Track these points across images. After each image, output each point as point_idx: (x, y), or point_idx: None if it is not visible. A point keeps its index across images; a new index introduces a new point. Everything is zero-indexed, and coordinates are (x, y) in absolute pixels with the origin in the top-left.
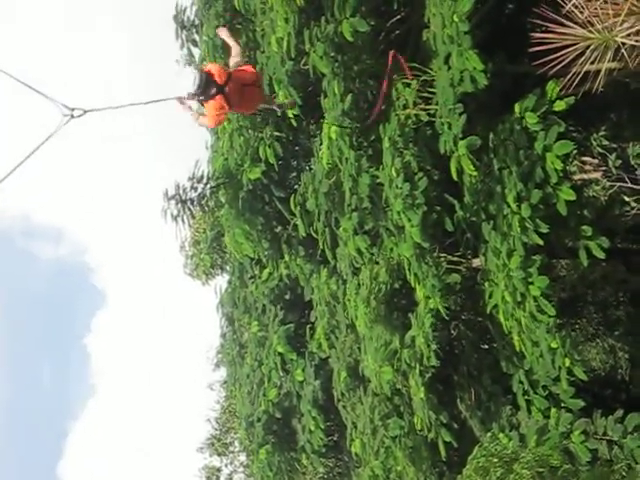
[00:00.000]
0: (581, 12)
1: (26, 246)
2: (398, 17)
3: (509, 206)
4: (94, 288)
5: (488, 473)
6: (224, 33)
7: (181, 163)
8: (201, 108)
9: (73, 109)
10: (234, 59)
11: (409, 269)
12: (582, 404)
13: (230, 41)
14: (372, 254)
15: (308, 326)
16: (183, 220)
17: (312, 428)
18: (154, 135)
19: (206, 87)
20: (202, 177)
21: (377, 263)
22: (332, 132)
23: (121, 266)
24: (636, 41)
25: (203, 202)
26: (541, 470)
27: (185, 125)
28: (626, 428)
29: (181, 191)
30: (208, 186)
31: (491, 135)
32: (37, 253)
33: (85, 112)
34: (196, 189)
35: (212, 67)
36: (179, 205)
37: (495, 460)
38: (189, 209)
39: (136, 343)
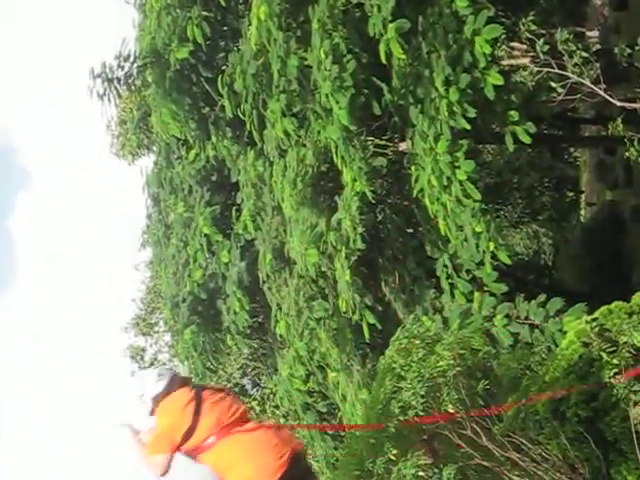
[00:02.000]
0: None
1: None
2: None
3: (437, 90)
4: (18, 169)
5: (410, 354)
6: None
7: (108, 41)
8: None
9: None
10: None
11: (336, 152)
12: (505, 288)
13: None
14: (299, 136)
15: (234, 208)
16: (109, 99)
17: (237, 309)
18: (78, 12)
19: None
20: (129, 56)
21: (304, 146)
22: (261, 12)
23: (46, 146)
24: None
25: (130, 81)
26: (462, 352)
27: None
28: (547, 312)
29: (107, 69)
30: (135, 65)
31: (420, 18)
32: None
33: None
34: (123, 68)
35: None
36: (105, 84)
37: (417, 342)
38: (115, 88)
39: (61, 224)
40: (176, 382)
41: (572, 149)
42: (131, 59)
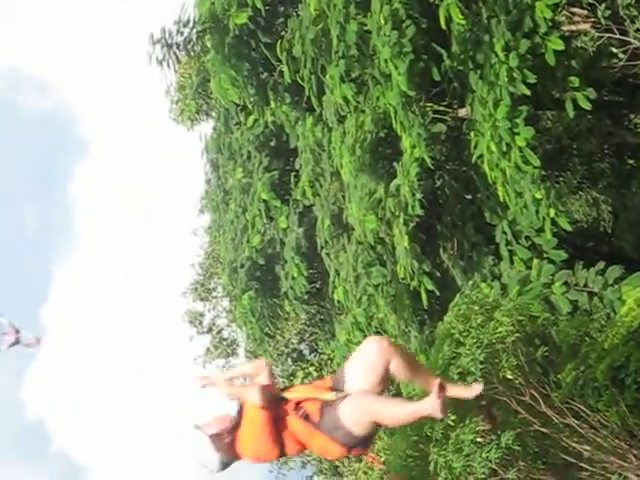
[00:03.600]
0: None
1: (11, 97)
2: None
3: (497, 55)
4: (78, 138)
5: (469, 320)
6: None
7: (167, 7)
8: None
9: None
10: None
11: (395, 118)
12: (564, 255)
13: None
14: (358, 102)
15: (293, 174)
16: (168, 65)
17: (295, 275)
18: None
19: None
20: (188, 21)
21: (363, 112)
22: None
23: (105, 114)
24: None
25: (189, 47)
26: (521, 318)
27: None
28: (607, 280)
29: (167, 35)
30: (194, 30)
31: None
32: (22, 104)
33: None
34: (182, 33)
35: None
36: (164, 49)
37: (476, 308)
38: (175, 53)
39: (121, 190)
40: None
41: (633, 115)
42: (190, 24)
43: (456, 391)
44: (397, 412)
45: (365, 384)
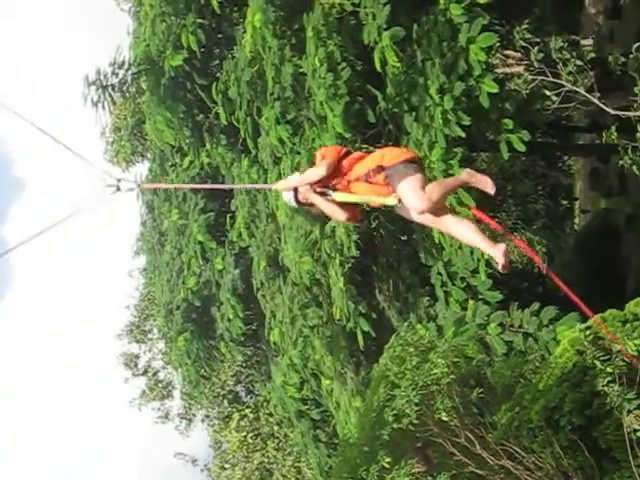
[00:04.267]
0: None
1: None
2: None
3: (432, 98)
4: (13, 178)
5: (404, 362)
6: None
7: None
8: None
9: (119, 180)
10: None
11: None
12: (499, 297)
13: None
14: (294, 144)
15: (228, 215)
16: (104, 106)
17: (231, 316)
18: (73, 20)
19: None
20: (123, 63)
21: (299, 153)
22: (256, 20)
23: (40, 154)
24: None
25: (124, 88)
26: (456, 360)
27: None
28: (541, 321)
29: (102, 77)
30: (129, 72)
31: (415, 26)
32: None
33: (139, 187)
34: (117, 75)
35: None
36: (100, 91)
37: (411, 349)
38: (110, 95)
39: (54, 231)
40: None
41: (566, 157)
42: (125, 66)
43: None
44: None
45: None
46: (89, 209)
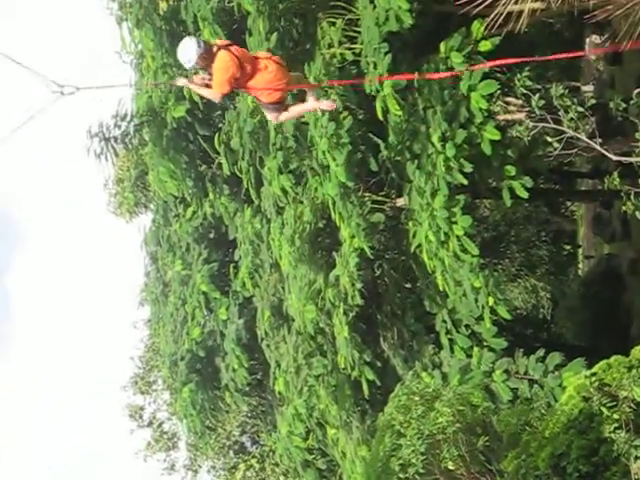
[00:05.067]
0: None
1: None
2: None
3: (434, 145)
4: (15, 229)
5: (409, 411)
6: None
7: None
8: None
9: (63, 86)
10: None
11: (334, 208)
12: (504, 344)
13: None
14: (297, 193)
15: (232, 265)
16: (106, 158)
17: (236, 367)
18: (73, 69)
19: (207, 52)
20: (125, 115)
21: (301, 202)
22: None
23: (43, 206)
24: None
25: (127, 140)
26: (462, 408)
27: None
28: (547, 367)
29: (104, 129)
30: (132, 124)
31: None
32: None
33: (77, 90)
34: (120, 127)
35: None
36: (102, 143)
37: (417, 398)
38: (112, 147)
39: (58, 282)
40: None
41: (569, 203)
42: (128, 118)
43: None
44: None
45: None
46: (38, 114)
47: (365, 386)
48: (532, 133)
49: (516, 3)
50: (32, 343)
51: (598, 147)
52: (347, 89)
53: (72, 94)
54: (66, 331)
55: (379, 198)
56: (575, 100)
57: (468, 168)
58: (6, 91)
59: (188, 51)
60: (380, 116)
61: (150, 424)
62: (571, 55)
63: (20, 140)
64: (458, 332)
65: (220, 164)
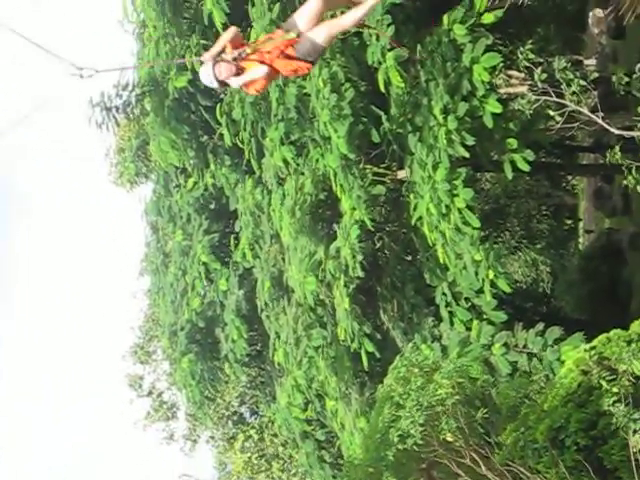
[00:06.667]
0: None
1: None
2: None
3: (435, 118)
4: (18, 195)
5: (409, 382)
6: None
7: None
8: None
9: (82, 69)
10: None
11: (335, 180)
12: (504, 317)
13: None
14: (298, 165)
15: (232, 236)
16: (108, 128)
17: (235, 337)
18: (76, 40)
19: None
20: (127, 84)
21: (303, 174)
22: None
23: (44, 173)
24: None
25: (128, 110)
26: (461, 380)
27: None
28: (546, 341)
29: (106, 98)
30: (133, 94)
31: (419, 47)
32: None
33: (96, 72)
34: (121, 96)
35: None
36: (104, 112)
37: (416, 370)
38: (114, 117)
39: (59, 252)
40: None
41: (570, 177)
42: (129, 88)
43: None
44: (356, 15)
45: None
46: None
47: (364, 358)
48: (534, 106)
49: None
50: (33, 310)
51: (600, 121)
52: (349, 61)
53: (91, 77)
54: (67, 302)
55: (380, 170)
56: (578, 74)
57: (470, 141)
58: (23, 72)
59: (207, 78)
60: (382, 88)
61: (150, 394)
62: None
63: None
64: (458, 305)
65: (221, 135)
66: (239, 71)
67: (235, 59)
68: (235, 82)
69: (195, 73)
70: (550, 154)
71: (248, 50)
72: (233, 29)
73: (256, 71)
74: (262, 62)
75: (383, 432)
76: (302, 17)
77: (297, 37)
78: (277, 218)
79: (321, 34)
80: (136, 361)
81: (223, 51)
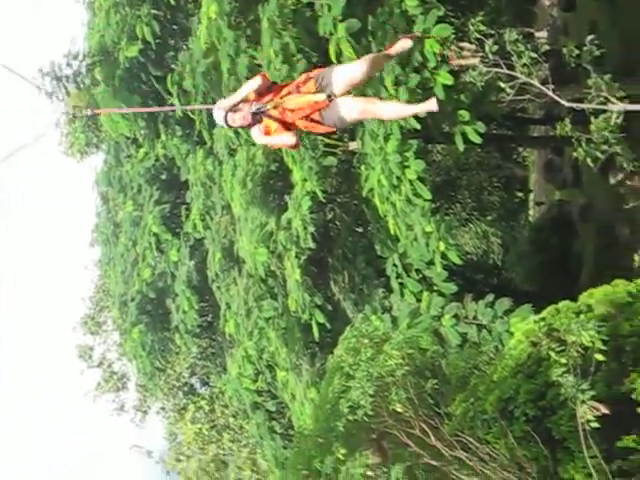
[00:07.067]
0: None
1: None
2: None
3: (387, 90)
4: None
5: (359, 353)
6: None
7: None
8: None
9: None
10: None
11: (286, 151)
12: (454, 288)
13: None
14: (249, 135)
15: (184, 207)
16: (58, 97)
17: (186, 308)
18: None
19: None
20: (78, 54)
21: (254, 145)
22: (211, 11)
23: None
24: None
25: (79, 79)
26: (411, 351)
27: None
28: (496, 312)
29: (56, 68)
30: (84, 63)
31: (370, 18)
32: None
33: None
34: (72, 66)
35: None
36: (54, 82)
37: (366, 341)
38: (64, 86)
39: (7, 221)
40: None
41: (521, 149)
42: (80, 57)
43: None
44: (397, 109)
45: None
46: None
47: (315, 329)
48: (485, 78)
49: None
50: None
51: (551, 93)
52: (301, 31)
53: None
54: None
55: (332, 142)
56: (529, 46)
57: None
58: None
59: (219, 120)
60: (334, 59)
61: (100, 365)
62: None
63: None
64: (409, 276)
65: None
66: (255, 122)
67: (254, 114)
68: (260, 139)
69: (146, 43)
70: (501, 126)
71: (269, 106)
72: (258, 80)
73: (283, 140)
74: (283, 121)
75: (333, 403)
76: (340, 79)
77: (328, 100)
78: (228, 189)
79: (354, 112)
80: (86, 332)
81: (243, 100)
